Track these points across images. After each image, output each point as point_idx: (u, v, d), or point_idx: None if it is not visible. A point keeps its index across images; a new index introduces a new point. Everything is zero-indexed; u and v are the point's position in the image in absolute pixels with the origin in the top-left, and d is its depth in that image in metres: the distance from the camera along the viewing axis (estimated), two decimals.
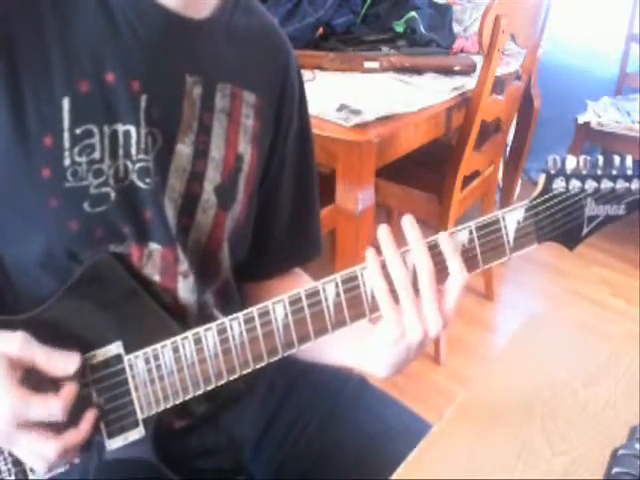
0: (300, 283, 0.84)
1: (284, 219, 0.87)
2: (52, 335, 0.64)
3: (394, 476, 0.65)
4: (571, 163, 0.65)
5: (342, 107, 1.50)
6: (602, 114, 2.66)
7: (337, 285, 0.65)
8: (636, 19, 2.92)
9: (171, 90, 0.70)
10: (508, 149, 2.54)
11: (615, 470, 0.63)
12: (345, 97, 1.56)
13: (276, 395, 0.88)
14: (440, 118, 1.76)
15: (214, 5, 0.71)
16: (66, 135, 0.64)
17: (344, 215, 1.56)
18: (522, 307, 2.36)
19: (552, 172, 0.65)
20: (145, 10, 0.67)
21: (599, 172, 0.65)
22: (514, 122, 2.31)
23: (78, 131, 0.65)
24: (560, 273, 2.53)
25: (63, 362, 0.63)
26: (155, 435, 0.69)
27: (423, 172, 2.03)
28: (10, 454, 0.66)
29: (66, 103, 0.64)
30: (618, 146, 2.66)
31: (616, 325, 2.27)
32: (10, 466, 0.67)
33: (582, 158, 0.65)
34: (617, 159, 0.65)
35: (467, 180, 1.94)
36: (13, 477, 0.67)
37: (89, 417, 0.65)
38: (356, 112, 1.48)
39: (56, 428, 0.62)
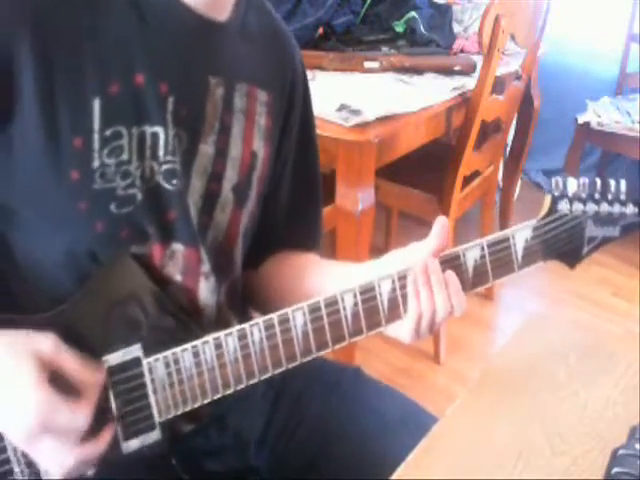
0: (299, 265, 0.85)
1: (281, 211, 0.87)
2: (70, 335, 0.64)
3: (394, 476, 0.65)
4: (572, 186, 0.70)
5: (342, 107, 1.50)
6: (602, 114, 2.65)
7: (355, 295, 0.67)
8: (636, 19, 2.91)
9: (196, 91, 0.70)
10: (508, 149, 2.54)
11: (615, 470, 0.63)
12: (345, 97, 1.56)
13: (273, 388, 0.88)
14: (440, 118, 1.76)
15: (231, 6, 0.72)
16: (96, 137, 0.64)
17: (344, 215, 1.56)
18: (522, 307, 2.36)
19: (557, 194, 0.70)
20: (175, 12, 0.67)
21: (597, 196, 0.70)
22: (514, 122, 2.30)
23: (108, 132, 0.65)
24: (560, 273, 2.51)
25: (91, 371, 0.62)
26: (169, 439, 0.69)
27: (423, 172, 2.03)
28: (24, 455, 0.65)
29: (97, 104, 0.64)
30: (618, 146, 2.66)
31: (616, 325, 2.27)
32: (23, 467, 0.66)
33: (581, 181, 0.70)
34: (613, 184, 0.70)
35: (467, 180, 1.93)
36: (27, 478, 0.66)
37: (108, 431, 0.64)
38: (356, 112, 1.48)
39: (76, 437, 0.61)
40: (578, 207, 0.70)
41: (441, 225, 0.69)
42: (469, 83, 1.78)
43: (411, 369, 2.04)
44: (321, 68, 1.80)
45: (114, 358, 0.66)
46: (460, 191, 1.89)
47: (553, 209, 0.70)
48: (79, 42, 0.64)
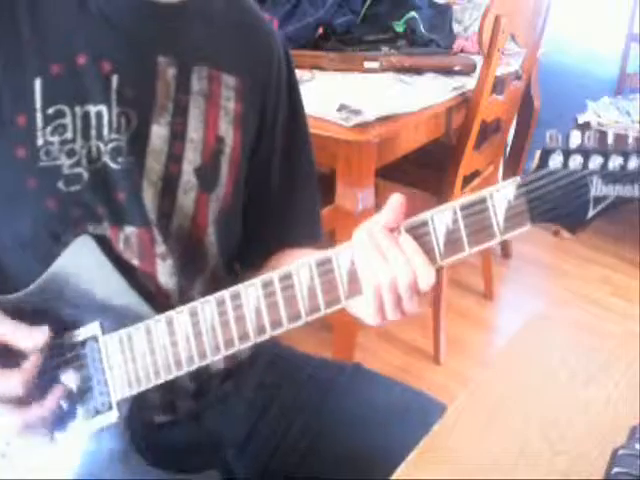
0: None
1: (275, 204, 0.86)
2: (34, 317, 0.66)
3: (394, 476, 0.65)
4: (576, 139, 0.59)
5: (342, 107, 1.50)
6: (602, 114, 2.65)
7: (311, 269, 0.63)
8: (636, 19, 2.91)
9: (143, 71, 0.71)
10: (508, 149, 2.54)
11: (615, 470, 0.63)
12: (345, 97, 1.56)
13: (265, 393, 0.88)
14: (440, 118, 1.76)
15: None
16: (39, 115, 0.66)
17: (344, 215, 1.56)
18: (522, 307, 2.36)
19: (548, 147, 0.60)
20: None
21: (608, 148, 0.58)
22: (514, 122, 2.30)
23: (50, 111, 0.66)
24: (560, 273, 2.52)
25: (30, 336, 0.64)
26: (132, 424, 0.69)
27: (423, 172, 2.03)
28: None
29: (38, 84, 0.66)
30: None
31: (616, 325, 2.26)
32: None
33: (589, 132, 0.59)
34: (631, 136, 0.58)
35: (467, 180, 1.93)
36: None
37: (55, 393, 0.66)
38: (356, 112, 1.48)
39: (19, 402, 0.63)
40: (576, 160, 0.59)
41: (395, 201, 0.62)
42: (469, 83, 1.78)
43: (411, 369, 2.04)
44: (321, 68, 1.80)
45: (73, 336, 0.67)
46: (460, 191, 1.89)
47: (542, 164, 0.60)
48: (19, 23, 0.66)
